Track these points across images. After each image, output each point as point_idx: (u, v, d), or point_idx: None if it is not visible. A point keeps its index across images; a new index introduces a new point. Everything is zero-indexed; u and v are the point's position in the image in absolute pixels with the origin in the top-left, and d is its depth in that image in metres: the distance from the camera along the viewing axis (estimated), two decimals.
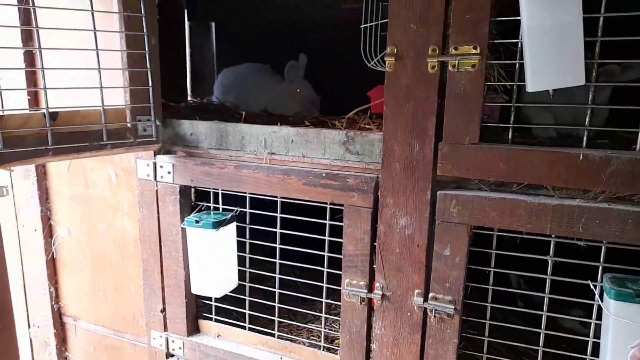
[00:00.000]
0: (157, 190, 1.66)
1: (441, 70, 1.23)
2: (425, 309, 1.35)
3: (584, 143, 1.17)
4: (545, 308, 1.28)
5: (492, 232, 1.29)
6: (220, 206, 1.64)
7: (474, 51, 1.17)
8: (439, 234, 1.30)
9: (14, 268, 2.02)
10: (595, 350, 1.23)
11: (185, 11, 2.63)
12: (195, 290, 1.64)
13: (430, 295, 1.34)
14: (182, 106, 2.24)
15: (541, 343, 1.31)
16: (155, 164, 1.64)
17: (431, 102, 1.25)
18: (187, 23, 2.67)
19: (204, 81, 2.74)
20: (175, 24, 2.58)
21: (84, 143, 1.41)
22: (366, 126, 1.59)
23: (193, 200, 1.70)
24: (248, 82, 2.27)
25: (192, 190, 1.69)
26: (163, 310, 1.76)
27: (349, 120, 1.68)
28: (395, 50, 1.26)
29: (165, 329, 1.78)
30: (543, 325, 1.30)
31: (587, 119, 1.17)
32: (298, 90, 2.17)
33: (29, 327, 2.08)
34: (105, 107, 1.43)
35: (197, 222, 1.55)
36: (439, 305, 1.32)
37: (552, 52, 1.06)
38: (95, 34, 1.39)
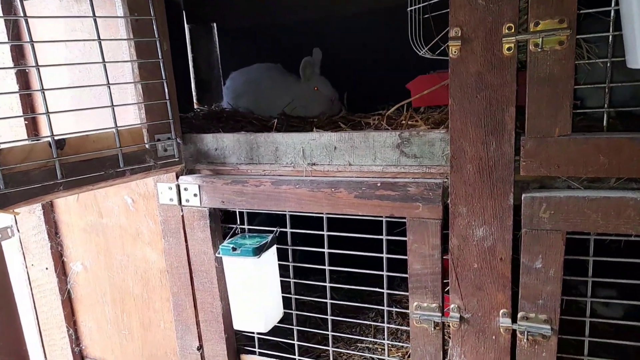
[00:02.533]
0: (182, 216, 1.46)
1: (517, 51, 1.04)
2: (514, 330, 1.16)
3: None
4: None
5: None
6: (256, 227, 1.45)
7: (560, 25, 0.98)
8: (527, 244, 1.11)
9: (25, 312, 1.82)
10: None
11: (184, 13, 2.42)
12: (239, 326, 1.44)
13: (520, 314, 1.15)
14: (191, 116, 2.05)
15: None
16: (178, 186, 1.44)
17: (508, 90, 1.05)
18: (186, 26, 2.46)
19: (210, 87, 2.54)
20: (174, 26, 2.37)
21: (99, 172, 1.21)
22: (413, 123, 1.40)
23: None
24: (260, 84, 2.06)
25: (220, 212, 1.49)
26: (200, 347, 1.57)
27: (388, 118, 1.50)
28: (460, 32, 1.06)
29: None
30: None
31: None
32: (316, 88, 1.97)
33: None
34: (118, 128, 1.23)
35: (234, 249, 1.35)
36: (532, 326, 1.13)
37: None
38: (100, 43, 1.18)
